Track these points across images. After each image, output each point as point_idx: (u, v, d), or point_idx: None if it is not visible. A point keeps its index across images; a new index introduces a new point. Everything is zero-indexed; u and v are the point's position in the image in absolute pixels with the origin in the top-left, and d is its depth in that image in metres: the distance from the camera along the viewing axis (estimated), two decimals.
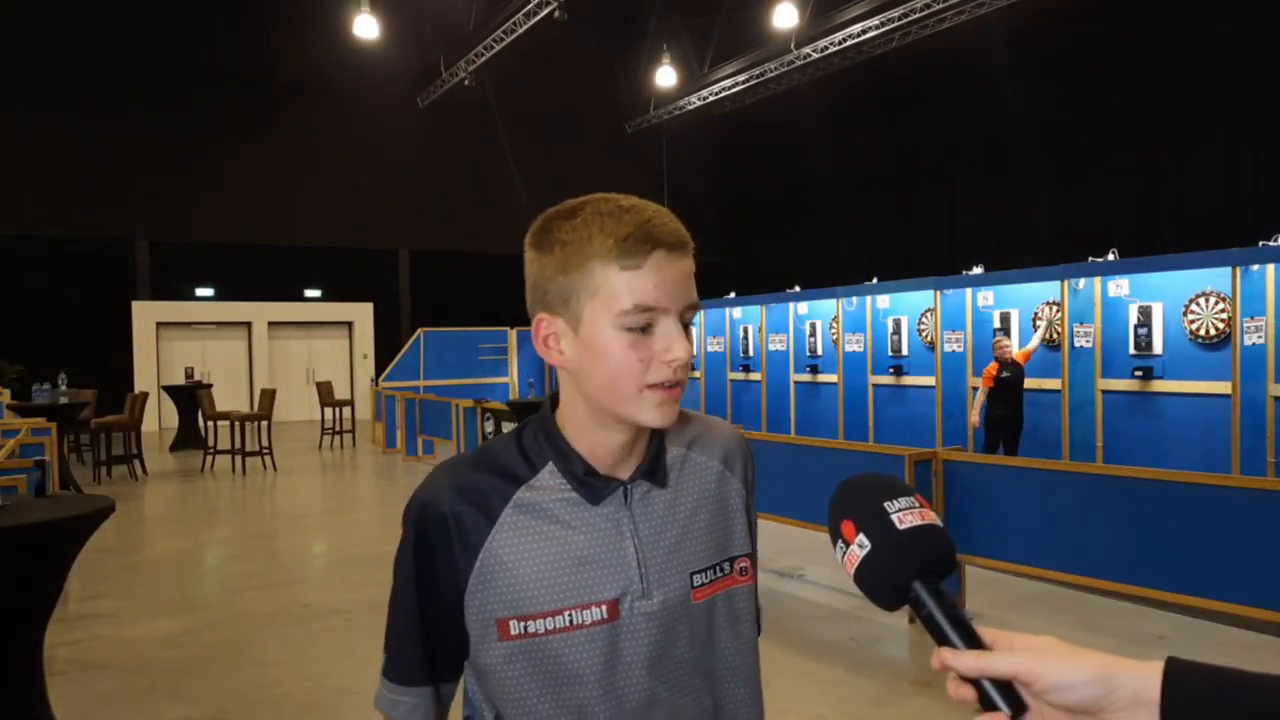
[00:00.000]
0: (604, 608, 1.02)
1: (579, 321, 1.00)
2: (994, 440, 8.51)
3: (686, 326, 1.01)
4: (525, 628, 1.01)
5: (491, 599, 1.02)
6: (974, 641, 0.74)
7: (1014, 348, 8.63)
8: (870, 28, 14.62)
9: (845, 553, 0.80)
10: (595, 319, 0.99)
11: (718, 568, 1.09)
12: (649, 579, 1.04)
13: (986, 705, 0.72)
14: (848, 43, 15.20)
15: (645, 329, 0.98)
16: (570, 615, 1.01)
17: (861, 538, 0.79)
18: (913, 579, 0.77)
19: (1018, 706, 0.71)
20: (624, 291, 0.97)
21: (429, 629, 1.05)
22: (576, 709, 1.01)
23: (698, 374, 13.51)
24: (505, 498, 1.04)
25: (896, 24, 14.39)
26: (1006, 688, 0.71)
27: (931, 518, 0.80)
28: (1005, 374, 8.38)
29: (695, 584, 1.07)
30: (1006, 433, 8.48)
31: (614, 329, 0.98)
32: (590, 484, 1.05)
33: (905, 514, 0.79)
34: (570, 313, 1.01)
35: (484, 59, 16.48)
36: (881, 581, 0.78)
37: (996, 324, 9.53)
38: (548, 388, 15.39)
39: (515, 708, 1.03)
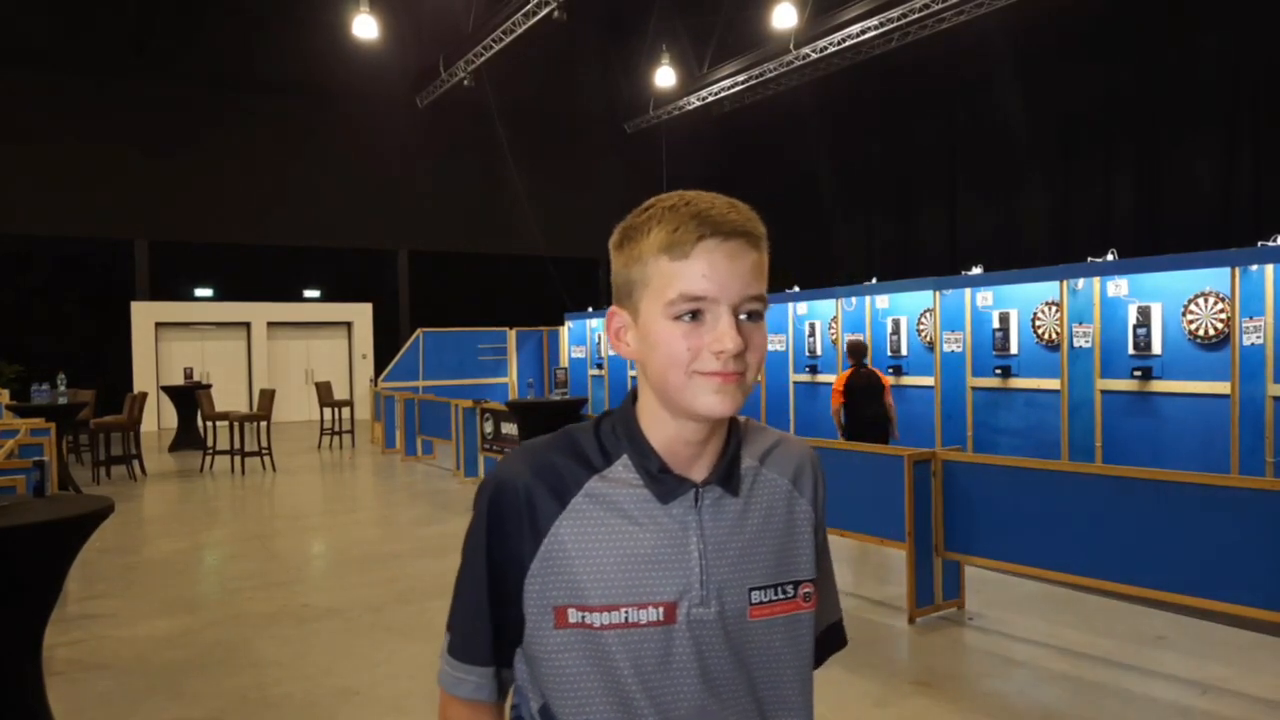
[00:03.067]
0: (661, 609, 1.01)
1: (638, 313, 1.02)
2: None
3: (753, 318, 0.99)
4: (583, 618, 1.00)
5: (551, 584, 1.01)
6: None
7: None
8: (870, 28, 14.62)
9: None
10: (650, 309, 1.00)
11: (779, 589, 1.06)
12: (708, 587, 1.02)
13: None
14: (847, 43, 15.19)
15: (696, 318, 0.98)
16: (627, 613, 1.00)
17: None
18: None
19: None
20: (672, 281, 0.98)
21: (496, 609, 1.05)
22: (625, 706, 1.00)
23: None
24: (579, 483, 1.04)
25: (896, 24, 14.39)
26: None
27: None
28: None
29: (753, 601, 1.04)
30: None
31: (665, 318, 0.98)
32: (663, 481, 1.03)
33: None
34: (632, 304, 1.03)
35: (483, 59, 16.48)
36: None
37: (996, 324, 9.53)
38: (547, 389, 15.37)
39: (564, 699, 1.01)
